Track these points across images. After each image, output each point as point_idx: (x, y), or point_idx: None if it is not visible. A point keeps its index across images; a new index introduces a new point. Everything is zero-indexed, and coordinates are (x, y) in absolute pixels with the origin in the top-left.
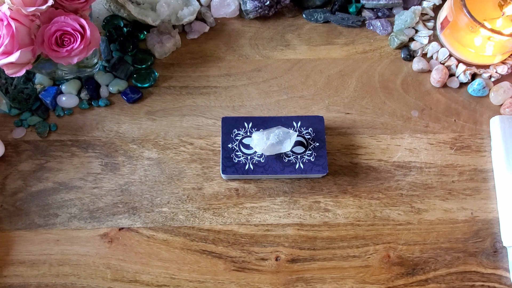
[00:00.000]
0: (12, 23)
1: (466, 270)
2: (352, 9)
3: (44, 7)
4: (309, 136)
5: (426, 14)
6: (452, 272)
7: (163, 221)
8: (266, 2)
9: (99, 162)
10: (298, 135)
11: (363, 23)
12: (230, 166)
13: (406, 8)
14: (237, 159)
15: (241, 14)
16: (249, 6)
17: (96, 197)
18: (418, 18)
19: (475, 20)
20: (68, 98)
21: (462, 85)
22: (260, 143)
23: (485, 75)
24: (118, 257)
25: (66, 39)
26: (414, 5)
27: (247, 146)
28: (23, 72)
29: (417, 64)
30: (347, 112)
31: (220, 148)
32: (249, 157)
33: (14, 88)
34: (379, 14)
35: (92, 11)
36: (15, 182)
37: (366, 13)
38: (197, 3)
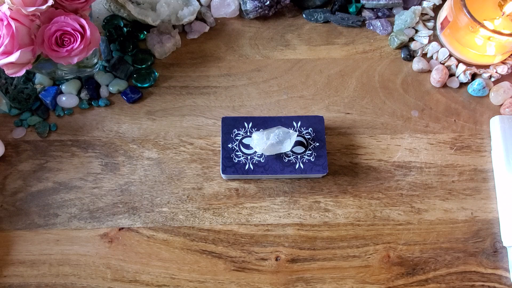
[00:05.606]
0: (12, 23)
1: (466, 270)
2: (352, 9)
3: (44, 7)
4: (309, 136)
5: (426, 14)
6: (452, 272)
7: (163, 221)
8: (266, 2)
9: (99, 162)
10: (298, 135)
11: (363, 23)
12: (230, 166)
13: (406, 8)
14: (237, 159)
15: (241, 14)
16: (249, 6)
17: (96, 197)
18: (418, 18)
19: (475, 20)
20: (68, 98)
21: (462, 85)
22: (260, 143)
23: (485, 75)
24: (118, 257)
25: (66, 39)
26: (414, 5)
27: (247, 146)
28: (23, 72)
29: (417, 64)
30: (347, 112)
31: (220, 148)
32: (249, 157)
33: (14, 88)
34: (379, 14)
35: (92, 11)
36: (15, 182)
37: (366, 13)
38: (197, 3)
